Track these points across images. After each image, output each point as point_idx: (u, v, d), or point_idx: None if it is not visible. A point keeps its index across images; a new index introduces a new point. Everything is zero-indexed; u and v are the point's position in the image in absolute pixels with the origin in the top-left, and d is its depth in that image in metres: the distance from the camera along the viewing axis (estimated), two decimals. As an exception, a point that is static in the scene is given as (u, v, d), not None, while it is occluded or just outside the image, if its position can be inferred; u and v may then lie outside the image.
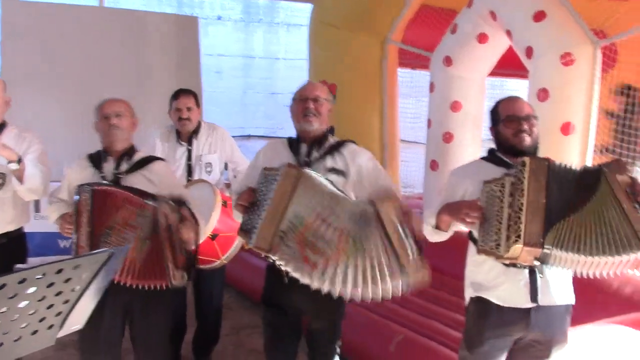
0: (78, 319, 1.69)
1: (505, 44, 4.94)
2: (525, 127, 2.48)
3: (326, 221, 2.32)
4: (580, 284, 2.48)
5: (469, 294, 2.62)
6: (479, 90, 5.34)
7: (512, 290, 2.45)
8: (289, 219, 2.31)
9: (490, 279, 2.49)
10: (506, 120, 2.51)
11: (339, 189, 2.46)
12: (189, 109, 3.71)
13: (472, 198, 2.46)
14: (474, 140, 5.32)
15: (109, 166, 2.82)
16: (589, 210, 2.24)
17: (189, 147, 3.77)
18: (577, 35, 4.24)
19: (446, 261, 2.65)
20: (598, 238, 2.19)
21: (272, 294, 2.76)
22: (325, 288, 2.29)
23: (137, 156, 2.90)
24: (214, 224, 3.19)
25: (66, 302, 1.56)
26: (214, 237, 3.22)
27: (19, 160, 2.84)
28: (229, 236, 3.25)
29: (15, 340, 1.51)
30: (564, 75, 4.22)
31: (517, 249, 2.21)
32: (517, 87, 10.12)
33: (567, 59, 4.19)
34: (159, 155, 3.68)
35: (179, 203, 2.73)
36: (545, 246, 2.21)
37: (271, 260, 2.41)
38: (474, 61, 5.17)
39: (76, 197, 2.62)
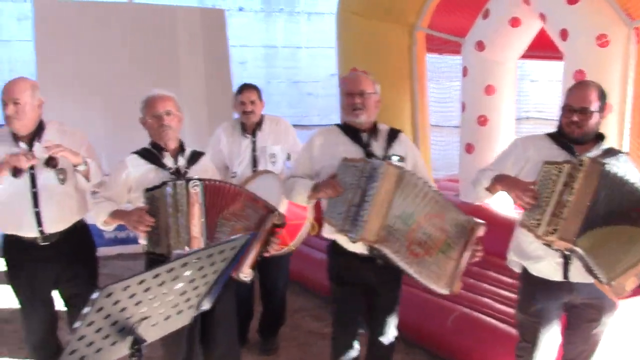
0: (209, 300, 1.84)
1: (537, 27, 5.04)
2: (576, 119, 2.56)
3: (435, 223, 2.54)
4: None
5: (511, 256, 2.81)
6: (511, 73, 5.45)
7: (547, 266, 2.62)
8: (395, 215, 2.50)
9: (533, 250, 2.65)
10: (564, 108, 2.64)
11: (433, 188, 2.63)
12: (252, 102, 3.89)
13: (528, 175, 2.59)
14: (508, 122, 5.44)
15: (168, 162, 2.88)
16: (625, 231, 2.38)
17: (254, 139, 3.92)
18: (610, 17, 4.34)
19: (492, 243, 2.86)
20: (613, 257, 2.36)
21: (340, 272, 2.93)
22: (416, 275, 2.55)
23: (187, 150, 2.97)
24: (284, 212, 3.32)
25: (206, 283, 1.72)
26: (283, 225, 3.35)
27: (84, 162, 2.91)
28: (297, 224, 3.41)
29: (166, 319, 1.67)
30: (600, 56, 4.32)
31: (552, 238, 2.40)
32: (534, 69, 10.25)
33: (602, 40, 4.29)
34: (223, 148, 3.84)
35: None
36: (577, 246, 2.38)
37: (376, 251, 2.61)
38: (506, 45, 5.27)
39: (168, 190, 2.63)
